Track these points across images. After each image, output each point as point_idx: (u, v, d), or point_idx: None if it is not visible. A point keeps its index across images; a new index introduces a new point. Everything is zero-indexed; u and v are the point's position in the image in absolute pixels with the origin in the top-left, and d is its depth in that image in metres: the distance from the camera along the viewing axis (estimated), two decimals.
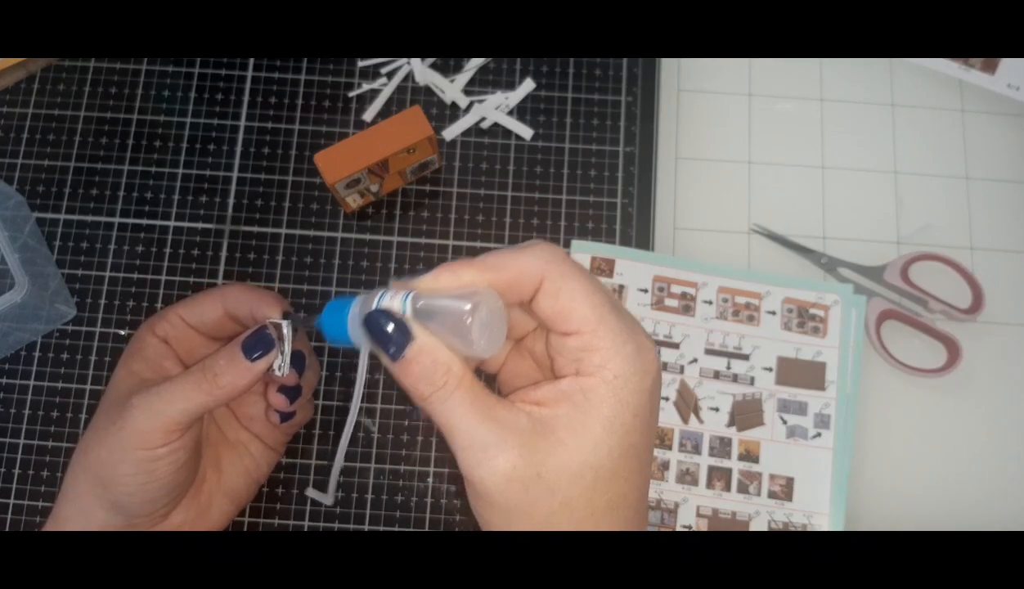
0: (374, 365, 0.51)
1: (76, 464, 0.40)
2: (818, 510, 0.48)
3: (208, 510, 0.43)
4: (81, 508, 0.40)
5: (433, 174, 0.54)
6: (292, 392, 0.43)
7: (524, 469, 0.30)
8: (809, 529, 0.48)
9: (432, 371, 0.31)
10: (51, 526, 0.41)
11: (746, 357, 0.51)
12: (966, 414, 0.52)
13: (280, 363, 0.39)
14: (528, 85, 0.56)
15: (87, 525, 0.39)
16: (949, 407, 0.52)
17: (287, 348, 0.39)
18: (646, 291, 0.51)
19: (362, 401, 0.41)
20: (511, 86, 0.56)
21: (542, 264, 0.31)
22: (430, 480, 0.50)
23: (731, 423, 0.50)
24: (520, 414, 0.31)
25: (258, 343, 0.39)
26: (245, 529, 0.49)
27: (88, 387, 0.51)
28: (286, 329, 0.39)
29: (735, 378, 0.50)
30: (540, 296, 0.31)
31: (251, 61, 0.56)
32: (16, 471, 0.50)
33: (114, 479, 0.38)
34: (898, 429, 0.52)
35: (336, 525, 0.49)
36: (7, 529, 0.49)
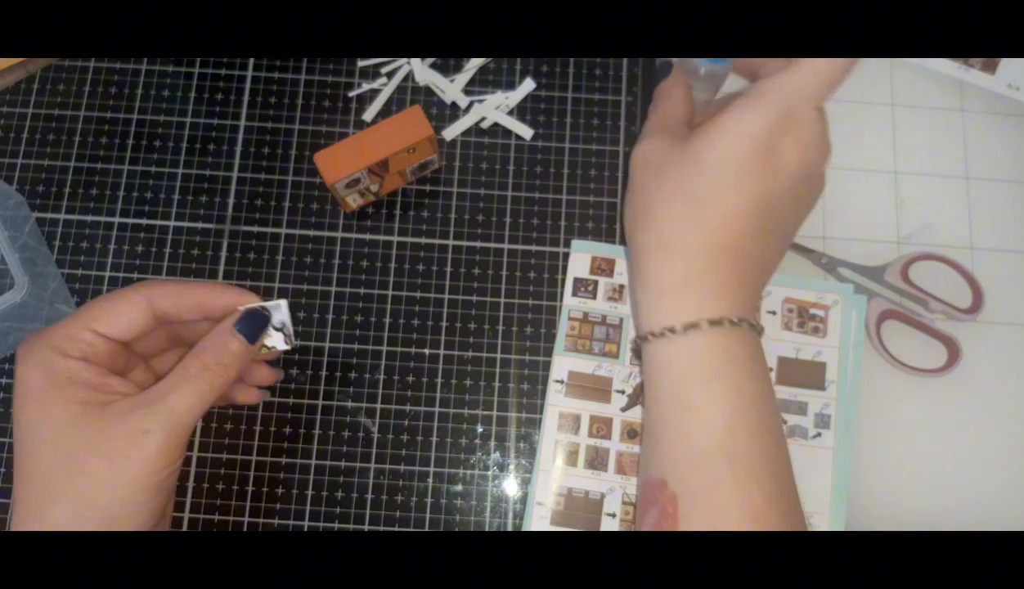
0: (373, 365, 0.52)
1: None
2: (818, 510, 0.48)
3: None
4: None
5: (433, 174, 0.54)
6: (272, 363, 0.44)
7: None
8: (810, 528, 0.48)
9: None
10: None
11: None
12: (966, 414, 0.52)
13: (286, 332, 0.40)
14: (528, 85, 0.56)
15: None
16: (949, 407, 0.52)
17: (287, 319, 0.40)
18: None
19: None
20: (511, 86, 0.56)
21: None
22: (430, 480, 0.50)
23: None
24: (686, 130, 0.43)
25: (253, 321, 0.39)
26: (245, 529, 0.49)
27: None
28: (283, 307, 0.40)
29: None
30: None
31: (251, 61, 0.56)
32: None
33: (119, 516, 0.36)
34: (898, 429, 0.52)
35: (336, 525, 0.49)
36: (8, 529, 0.49)
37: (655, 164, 0.41)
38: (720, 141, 0.39)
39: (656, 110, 0.44)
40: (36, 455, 0.35)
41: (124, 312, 0.38)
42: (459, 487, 0.50)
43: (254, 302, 0.40)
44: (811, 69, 0.40)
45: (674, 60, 0.47)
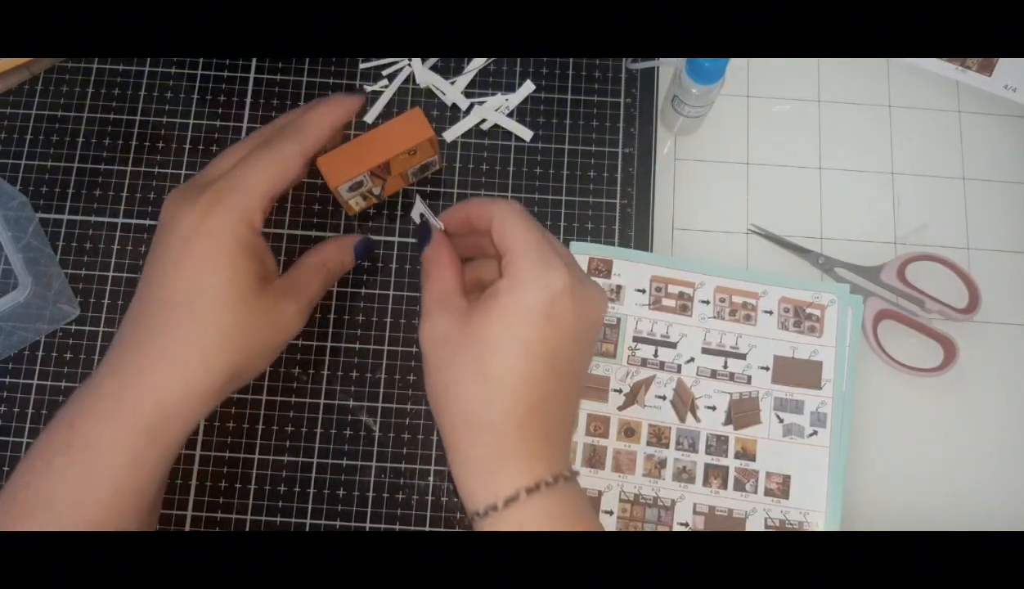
0: (375, 365, 0.52)
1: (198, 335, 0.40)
2: (814, 508, 0.49)
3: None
4: (185, 361, 0.40)
5: (434, 175, 0.55)
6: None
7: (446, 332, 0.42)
8: (805, 526, 0.49)
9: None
10: (134, 396, 0.40)
11: (743, 356, 0.51)
12: (962, 413, 0.53)
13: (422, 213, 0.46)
14: (528, 87, 0.56)
15: (190, 380, 0.40)
16: (945, 406, 0.53)
17: (424, 210, 0.46)
18: (644, 291, 0.52)
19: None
20: (511, 88, 0.57)
21: (496, 207, 0.43)
22: (431, 479, 0.50)
23: (728, 421, 0.50)
24: (463, 301, 0.43)
25: (367, 247, 0.51)
26: (247, 527, 0.50)
27: None
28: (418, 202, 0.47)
29: (732, 377, 0.51)
30: (491, 229, 0.43)
31: (253, 63, 0.57)
32: None
33: (255, 369, 0.44)
34: (894, 428, 0.52)
35: (337, 523, 0.50)
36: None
37: (442, 346, 0.42)
38: (498, 321, 0.40)
39: (429, 280, 0.44)
40: (218, 312, 0.41)
41: (291, 177, 0.44)
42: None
43: (359, 102, 0.46)
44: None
45: (660, 62, 0.47)
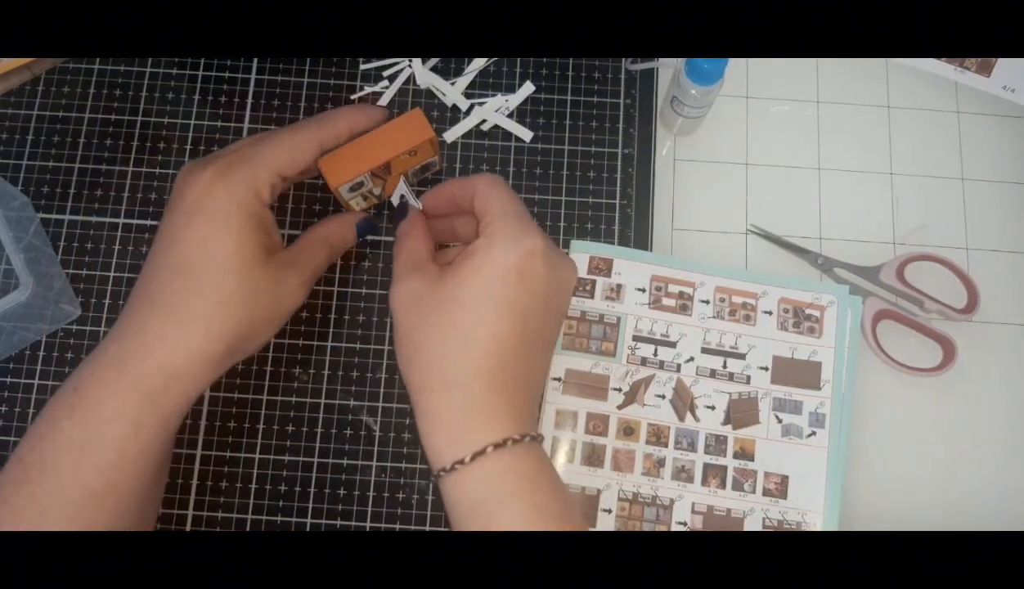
0: (375, 364, 0.52)
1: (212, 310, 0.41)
2: (812, 508, 0.49)
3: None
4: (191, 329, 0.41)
5: (435, 176, 0.55)
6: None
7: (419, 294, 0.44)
8: (803, 527, 0.49)
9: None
10: (139, 349, 0.40)
11: (742, 356, 0.51)
12: (961, 413, 0.53)
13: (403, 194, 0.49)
14: (528, 88, 0.56)
15: (189, 345, 0.41)
16: (944, 406, 0.53)
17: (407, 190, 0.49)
18: (644, 291, 0.52)
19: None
20: (511, 89, 0.57)
21: (480, 180, 0.45)
22: (431, 478, 0.50)
23: (727, 421, 0.50)
24: (435, 266, 0.45)
25: (368, 226, 0.51)
26: (248, 527, 0.50)
27: None
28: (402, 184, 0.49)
29: (731, 377, 0.51)
30: (474, 200, 0.45)
31: (254, 63, 0.57)
32: None
33: (263, 336, 0.45)
34: (893, 428, 0.52)
35: (337, 523, 0.50)
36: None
37: (415, 305, 0.43)
38: (472, 277, 0.42)
39: (401, 250, 0.46)
40: (222, 278, 0.42)
41: (303, 160, 0.45)
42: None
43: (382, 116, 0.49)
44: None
45: (660, 63, 0.48)
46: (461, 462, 0.40)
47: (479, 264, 0.42)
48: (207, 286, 0.41)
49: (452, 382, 0.41)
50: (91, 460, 0.39)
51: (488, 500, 0.40)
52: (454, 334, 0.42)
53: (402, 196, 0.49)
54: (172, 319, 0.41)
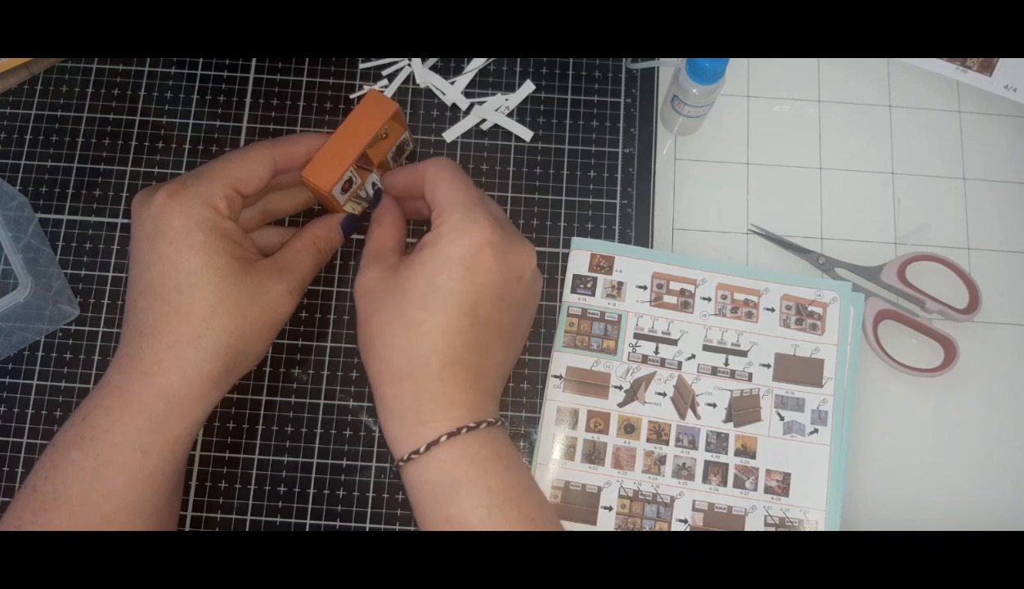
0: None
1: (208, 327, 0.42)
2: (814, 506, 0.49)
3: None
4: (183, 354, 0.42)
5: (410, 157, 0.54)
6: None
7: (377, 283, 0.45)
8: (805, 525, 0.49)
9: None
10: (139, 381, 0.41)
11: (744, 353, 0.51)
12: (962, 413, 0.53)
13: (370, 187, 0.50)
14: (528, 87, 0.56)
15: (185, 370, 0.41)
16: (945, 406, 0.53)
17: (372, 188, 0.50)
18: (645, 288, 0.52)
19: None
20: (511, 88, 0.57)
21: (428, 167, 0.46)
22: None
23: (728, 419, 0.50)
24: (396, 256, 0.46)
25: (353, 224, 0.50)
26: (247, 528, 0.49)
27: (90, 387, 0.51)
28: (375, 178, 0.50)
29: (733, 374, 0.51)
30: (424, 188, 0.45)
31: (253, 63, 0.57)
32: (20, 470, 0.50)
33: (253, 352, 0.45)
34: (895, 427, 0.52)
35: (337, 523, 0.50)
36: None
37: (371, 295, 0.44)
38: (420, 270, 0.42)
39: (369, 238, 0.47)
40: (199, 294, 0.42)
41: (257, 173, 0.45)
42: None
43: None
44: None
45: (664, 60, 0.48)
46: (417, 452, 0.41)
47: (427, 257, 0.43)
48: (185, 306, 0.41)
49: (404, 373, 0.42)
50: (101, 486, 0.40)
51: (443, 485, 0.41)
52: (404, 326, 0.42)
53: (374, 183, 0.50)
54: (163, 344, 0.41)
